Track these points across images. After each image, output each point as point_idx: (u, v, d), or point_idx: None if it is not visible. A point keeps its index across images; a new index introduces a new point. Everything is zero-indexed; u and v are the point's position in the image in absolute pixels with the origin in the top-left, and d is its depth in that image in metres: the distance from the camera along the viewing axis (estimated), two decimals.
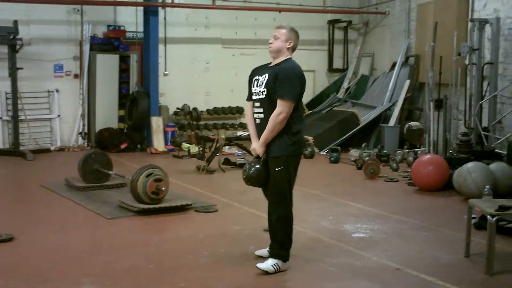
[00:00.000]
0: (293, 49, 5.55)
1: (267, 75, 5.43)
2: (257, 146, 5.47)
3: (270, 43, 5.52)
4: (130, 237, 6.79)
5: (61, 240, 6.61)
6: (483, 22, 11.49)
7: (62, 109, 14.07)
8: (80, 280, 5.32)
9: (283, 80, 5.31)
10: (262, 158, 5.46)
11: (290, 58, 5.52)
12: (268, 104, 5.39)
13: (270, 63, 5.58)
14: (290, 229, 5.60)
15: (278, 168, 5.37)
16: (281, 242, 5.56)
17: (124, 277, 5.46)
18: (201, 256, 6.00)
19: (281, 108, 5.26)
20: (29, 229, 7.02)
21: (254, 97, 5.54)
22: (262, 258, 5.71)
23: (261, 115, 5.47)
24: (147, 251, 6.22)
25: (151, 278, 5.42)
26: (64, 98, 14.10)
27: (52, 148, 13.74)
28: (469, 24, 12.11)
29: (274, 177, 5.41)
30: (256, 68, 5.68)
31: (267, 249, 5.74)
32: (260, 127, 5.48)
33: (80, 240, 6.63)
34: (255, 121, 5.58)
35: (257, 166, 5.44)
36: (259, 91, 5.45)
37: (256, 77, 5.54)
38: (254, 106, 5.58)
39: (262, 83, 5.43)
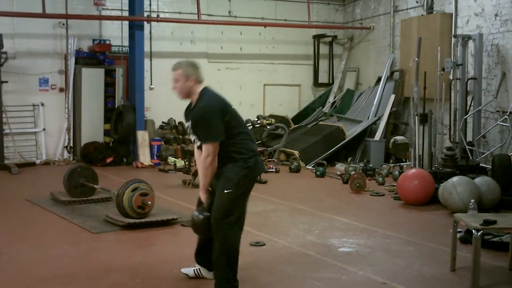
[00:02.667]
0: (198, 81, 5.24)
1: (190, 123, 5.24)
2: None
3: (174, 88, 5.28)
4: (115, 252, 6.75)
5: (44, 256, 6.56)
6: (466, 38, 11.61)
7: (47, 122, 14.02)
8: None
9: (200, 124, 5.10)
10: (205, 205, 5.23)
11: (203, 91, 5.24)
12: None
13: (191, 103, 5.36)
14: (232, 262, 5.20)
15: (227, 190, 5.10)
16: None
17: None
18: None
19: (206, 152, 5.07)
20: (12, 244, 6.96)
21: (195, 144, 5.31)
22: None
23: None
24: (133, 266, 6.19)
25: None
26: (49, 111, 14.05)
27: (37, 161, 13.66)
28: (453, 40, 12.23)
29: (221, 198, 5.12)
30: (186, 110, 5.42)
31: (194, 268, 5.66)
32: None
33: (64, 255, 6.58)
34: None
35: (206, 213, 5.19)
36: (194, 139, 5.27)
37: (186, 124, 5.36)
38: (199, 149, 5.28)
39: (191, 132, 5.24)
